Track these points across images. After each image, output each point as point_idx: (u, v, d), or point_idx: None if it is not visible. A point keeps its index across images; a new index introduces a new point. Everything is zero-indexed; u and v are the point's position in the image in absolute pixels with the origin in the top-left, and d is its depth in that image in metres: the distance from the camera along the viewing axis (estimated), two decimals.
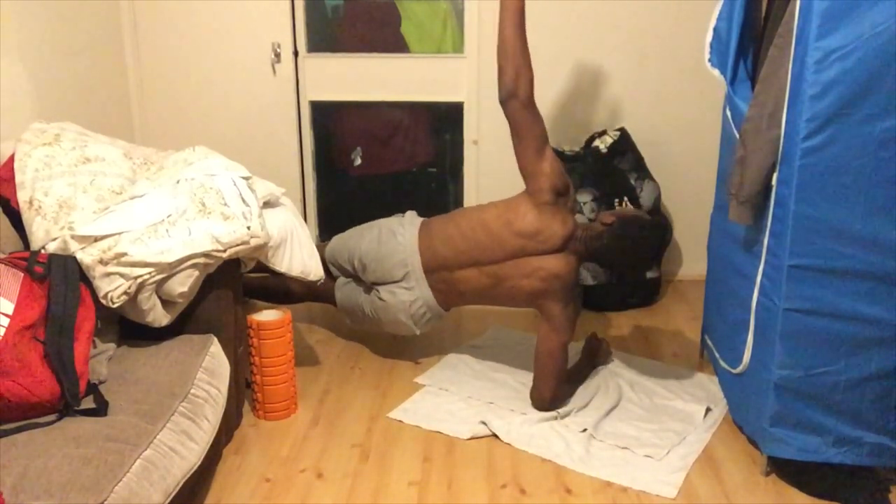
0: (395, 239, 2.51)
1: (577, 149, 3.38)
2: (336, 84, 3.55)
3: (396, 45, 3.53)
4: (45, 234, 2.00)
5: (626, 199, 3.19)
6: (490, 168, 3.58)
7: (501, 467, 2.17)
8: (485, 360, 2.76)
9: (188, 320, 2.09)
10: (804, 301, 1.89)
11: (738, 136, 2.08)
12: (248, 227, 2.09)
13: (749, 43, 2.28)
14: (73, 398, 1.68)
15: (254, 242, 2.10)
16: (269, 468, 2.17)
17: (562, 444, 2.23)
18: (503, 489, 2.08)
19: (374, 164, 3.74)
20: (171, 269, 1.95)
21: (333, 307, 3.37)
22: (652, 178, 3.29)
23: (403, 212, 2.73)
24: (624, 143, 3.30)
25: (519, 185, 3.52)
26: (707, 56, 2.37)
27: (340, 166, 3.76)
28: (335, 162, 3.76)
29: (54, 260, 1.85)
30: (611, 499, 2.04)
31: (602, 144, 3.28)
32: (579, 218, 3.17)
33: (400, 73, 3.52)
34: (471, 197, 3.63)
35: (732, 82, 2.26)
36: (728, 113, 2.30)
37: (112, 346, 1.99)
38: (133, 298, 1.93)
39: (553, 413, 2.35)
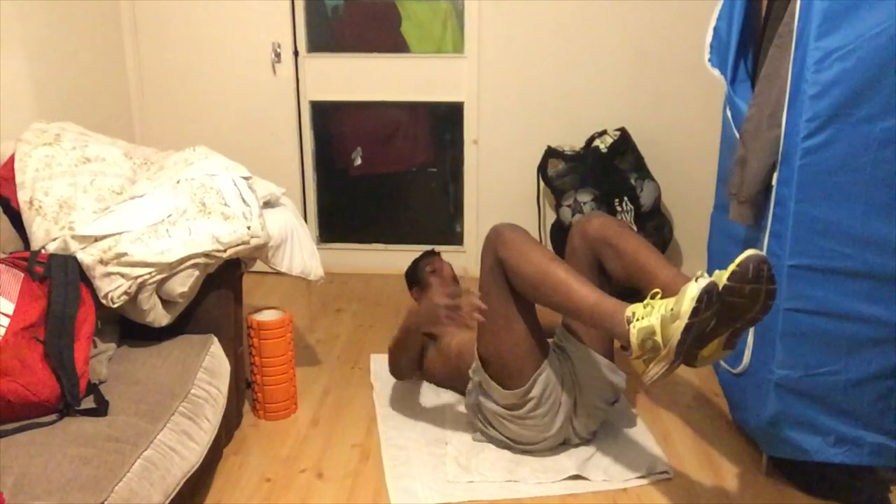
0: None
1: (577, 149, 3.38)
2: (336, 84, 3.55)
3: (396, 45, 3.53)
4: (46, 234, 2.00)
5: (626, 198, 3.20)
6: (490, 168, 3.59)
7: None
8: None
9: (188, 320, 2.09)
10: (804, 301, 1.89)
11: (738, 136, 2.08)
12: (249, 227, 2.09)
13: (749, 43, 2.28)
14: (74, 398, 1.68)
15: (254, 242, 2.10)
16: (269, 468, 2.17)
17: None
18: (506, 483, 2.08)
19: (374, 164, 3.74)
20: (172, 269, 1.95)
21: (333, 307, 3.38)
22: (652, 178, 3.29)
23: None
24: (624, 143, 3.30)
25: (518, 185, 3.53)
26: (707, 56, 2.37)
27: (340, 166, 3.76)
28: (335, 162, 3.76)
29: (54, 260, 1.85)
30: (611, 499, 2.04)
31: (602, 144, 3.28)
32: (578, 218, 3.16)
33: (400, 73, 3.52)
34: (471, 197, 3.64)
35: (732, 82, 2.26)
36: (728, 113, 2.29)
37: (112, 346, 1.99)
38: (133, 298, 1.93)
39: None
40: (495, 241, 2.07)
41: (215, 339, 2.08)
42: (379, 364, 2.78)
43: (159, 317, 2.01)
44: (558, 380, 2.10)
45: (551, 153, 3.36)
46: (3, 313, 1.65)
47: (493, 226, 2.12)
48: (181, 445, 1.69)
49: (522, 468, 2.14)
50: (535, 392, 2.07)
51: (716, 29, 2.34)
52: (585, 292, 1.86)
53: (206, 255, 2.00)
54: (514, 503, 2.02)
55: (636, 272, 2.03)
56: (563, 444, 2.21)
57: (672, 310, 1.62)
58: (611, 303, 1.81)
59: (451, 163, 3.70)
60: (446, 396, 2.52)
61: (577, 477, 2.10)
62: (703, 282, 1.58)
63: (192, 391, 1.85)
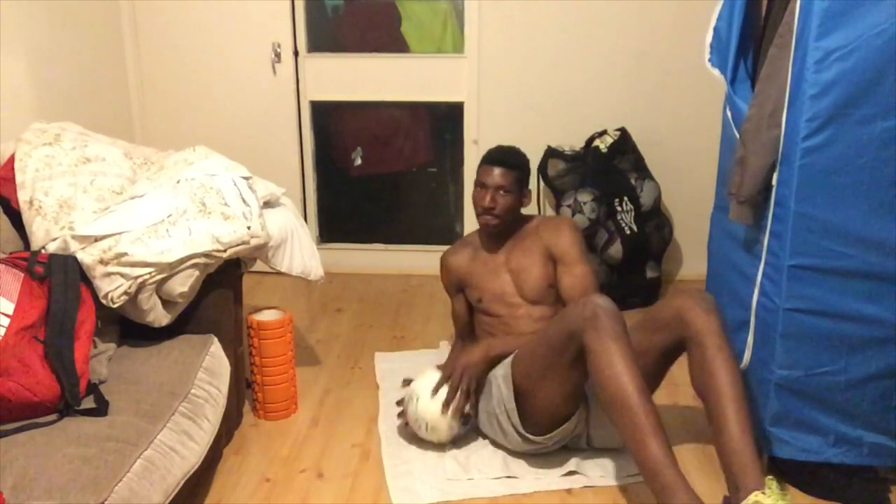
0: None
1: (577, 149, 3.38)
2: (336, 84, 3.55)
3: (396, 45, 3.53)
4: (46, 234, 2.00)
5: (626, 198, 3.20)
6: None
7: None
8: None
9: (188, 320, 2.09)
10: (804, 301, 1.89)
11: (738, 136, 2.08)
12: (249, 227, 2.09)
13: (749, 43, 2.28)
14: (74, 398, 1.68)
15: (254, 242, 2.10)
16: (269, 468, 2.17)
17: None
18: (505, 480, 2.08)
19: (374, 164, 3.74)
20: (172, 269, 1.95)
21: (333, 307, 3.37)
22: (652, 178, 3.29)
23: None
24: (624, 143, 3.30)
25: None
26: (707, 56, 2.37)
27: (340, 166, 3.76)
28: (335, 162, 3.76)
29: (54, 260, 1.85)
30: (610, 496, 2.04)
31: (602, 144, 3.28)
32: (579, 218, 3.17)
33: (400, 73, 3.52)
34: (471, 197, 3.63)
35: (732, 82, 2.25)
36: (728, 113, 2.29)
37: (112, 346, 1.99)
38: (133, 298, 1.93)
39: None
40: (587, 322, 1.88)
41: (215, 339, 2.08)
42: (385, 363, 2.77)
43: (159, 317, 2.01)
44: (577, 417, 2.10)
45: (551, 153, 3.36)
46: (3, 313, 1.65)
47: (594, 298, 1.93)
48: (181, 445, 1.69)
49: (521, 465, 2.14)
50: (553, 441, 2.09)
51: (716, 29, 2.34)
52: (657, 451, 1.74)
53: (206, 255, 2.00)
54: (514, 500, 2.03)
55: (710, 409, 1.89)
56: (565, 448, 2.21)
57: None
58: (676, 482, 1.71)
59: (451, 163, 3.70)
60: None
61: (575, 474, 2.10)
62: None
63: (192, 391, 1.85)
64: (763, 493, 1.68)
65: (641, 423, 1.77)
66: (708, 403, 1.90)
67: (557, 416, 2.05)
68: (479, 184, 2.33)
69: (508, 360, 2.15)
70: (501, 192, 2.30)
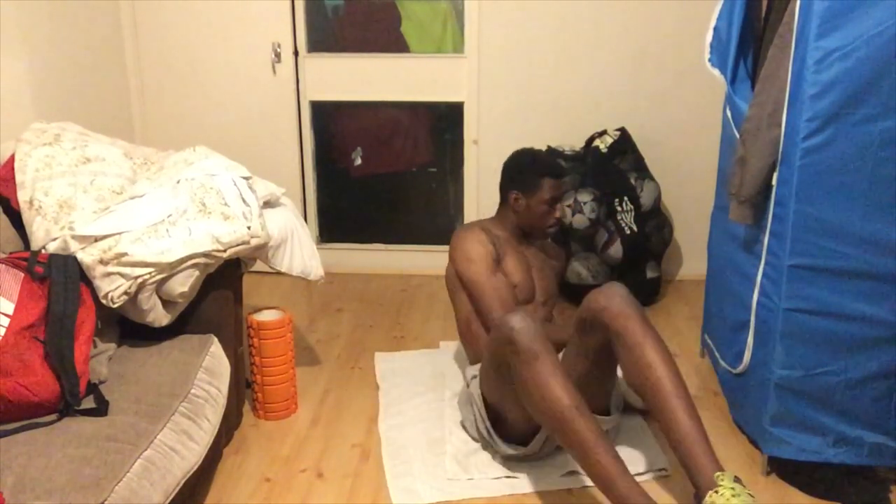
0: None
1: (577, 149, 3.38)
2: (336, 84, 3.55)
3: (396, 45, 3.53)
4: (46, 234, 2.00)
5: (626, 198, 3.20)
6: (490, 168, 3.57)
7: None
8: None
9: (188, 320, 2.09)
10: (804, 301, 1.89)
11: (738, 136, 2.08)
12: (249, 227, 2.09)
13: (749, 43, 2.28)
14: (74, 398, 1.68)
15: (254, 242, 2.10)
16: (269, 468, 2.17)
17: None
18: (506, 479, 2.08)
19: (374, 164, 3.74)
20: (172, 269, 1.95)
21: (333, 307, 3.36)
22: (652, 178, 3.29)
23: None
24: (624, 143, 3.30)
25: None
26: (707, 56, 2.38)
27: (340, 166, 3.76)
28: (335, 162, 3.76)
29: (54, 260, 1.85)
30: None
31: (602, 144, 3.28)
32: (579, 218, 3.17)
33: (400, 73, 3.52)
34: (471, 197, 3.63)
35: (732, 82, 2.26)
36: (728, 113, 2.30)
37: (112, 346, 1.99)
38: (133, 298, 1.93)
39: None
40: (508, 345, 1.86)
41: (215, 339, 2.08)
42: (385, 363, 2.77)
43: (159, 317, 2.01)
44: None
45: (551, 153, 3.36)
46: (3, 313, 1.65)
47: (508, 320, 1.88)
48: (181, 445, 1.69)
49: (521, 465, 2.14)
50: (533, 449, 2.09)
51: (716, 29, 2.35)
52: (606, 463, 1.72)
53: (206, 255, 2.00)
54: (514, 500, 2.03)
55: (653, 407, 1.87)
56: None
57: None
58: (630, 490, 1.69)
59: (451, 163, 3.70)
60: (447, 395, 2.52)
61: (575, 473, 2.10)
62: None
63: (192, 391, 1.85)
64: (716, 491, 1.67)
65: (584, 438, 1.74)
66: (650, 401, 1.88)
67: (532, 425, 2.03)
68: (551, 200, 2.29)
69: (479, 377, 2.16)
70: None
